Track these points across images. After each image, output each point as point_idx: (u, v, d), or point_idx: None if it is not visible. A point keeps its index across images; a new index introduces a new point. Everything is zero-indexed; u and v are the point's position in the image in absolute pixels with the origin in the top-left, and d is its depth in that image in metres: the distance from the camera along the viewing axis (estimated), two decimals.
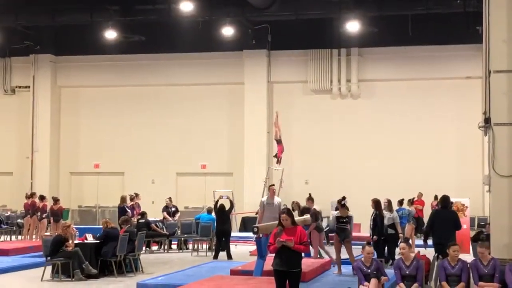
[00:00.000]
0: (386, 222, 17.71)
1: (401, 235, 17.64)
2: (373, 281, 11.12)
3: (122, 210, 22.27)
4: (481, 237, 13.74)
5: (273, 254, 10.28)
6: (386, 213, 17.84)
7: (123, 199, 22.92)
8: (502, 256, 11.17)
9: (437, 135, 28.65)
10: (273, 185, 19.75)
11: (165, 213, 23.90)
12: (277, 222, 10.52)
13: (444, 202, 14.50)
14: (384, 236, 17.46)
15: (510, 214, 11.82)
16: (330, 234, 21.52)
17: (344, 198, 16.81)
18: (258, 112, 29.87)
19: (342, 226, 15.85)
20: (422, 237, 15.23)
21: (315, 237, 17.60)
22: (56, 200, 24.10)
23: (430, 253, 14.19)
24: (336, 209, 17.11)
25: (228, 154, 30.57)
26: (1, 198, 31.83)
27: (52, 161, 31.93)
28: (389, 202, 18.31)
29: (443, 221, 13.80)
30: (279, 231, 10.15)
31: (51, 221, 23.57)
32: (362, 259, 11.53)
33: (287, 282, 10.11)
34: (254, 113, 29.83)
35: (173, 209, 24.26)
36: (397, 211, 20.32)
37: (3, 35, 30.13)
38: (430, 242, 14.62)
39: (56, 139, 32.26)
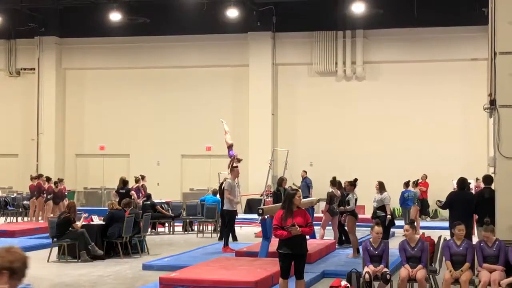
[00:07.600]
0: (375, 204, 17.20)
1: (389, 216, 16.90)
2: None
3: (117, 193, 22.30)
4: (485, 221, 13.56)
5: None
6: (375, 195, 17.21)
7: (121, 181, 22.72)
8: (507, 238, 11.14)
9: (442, 117, 28.57)
10: (237, 166, 19.05)
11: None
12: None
13: (461, 184, 14.21)
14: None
15: None
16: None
17: (356, 180, 16.81)
18: (263, 94, 29.84)
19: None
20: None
21: (326, 219, 17.61)
22: (56, 182, 24.10)
23: (435, 234, 14.21)
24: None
25: (233, 136, 30.40)
26: (7, 180, 31.94)
27: (57, 143, 32.00)
28: (380, 184, 17.59)
29: (460, 203, 13.57)
30: (286, 215, 9.93)
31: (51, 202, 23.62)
32: (371, 239, 11.32)
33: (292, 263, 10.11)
34: (259, 95, 29.80)
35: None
36: (403, 193, 20.16)
37: (8, 17, 30.14)
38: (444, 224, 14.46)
39: (61, 121, 32.30)
